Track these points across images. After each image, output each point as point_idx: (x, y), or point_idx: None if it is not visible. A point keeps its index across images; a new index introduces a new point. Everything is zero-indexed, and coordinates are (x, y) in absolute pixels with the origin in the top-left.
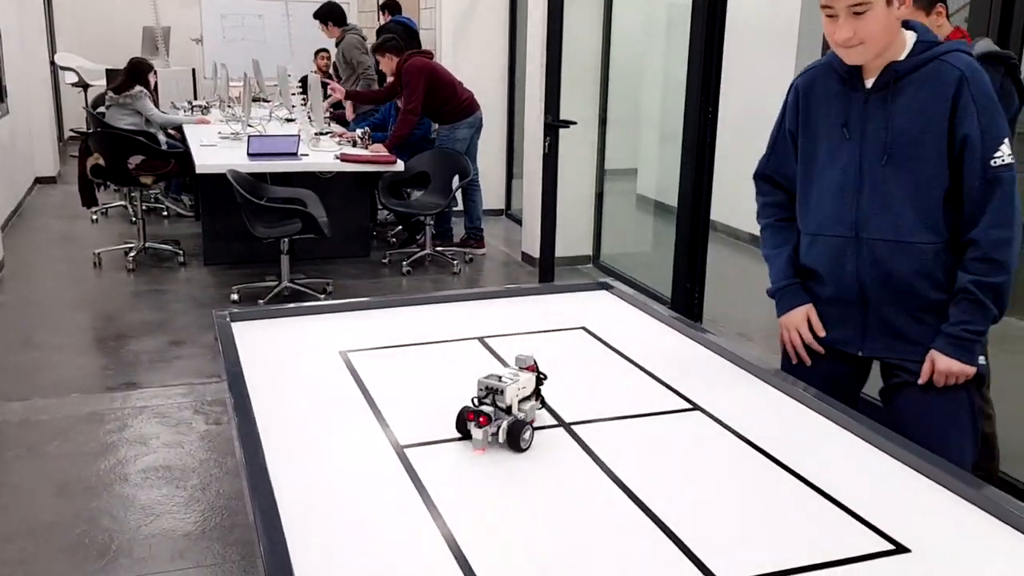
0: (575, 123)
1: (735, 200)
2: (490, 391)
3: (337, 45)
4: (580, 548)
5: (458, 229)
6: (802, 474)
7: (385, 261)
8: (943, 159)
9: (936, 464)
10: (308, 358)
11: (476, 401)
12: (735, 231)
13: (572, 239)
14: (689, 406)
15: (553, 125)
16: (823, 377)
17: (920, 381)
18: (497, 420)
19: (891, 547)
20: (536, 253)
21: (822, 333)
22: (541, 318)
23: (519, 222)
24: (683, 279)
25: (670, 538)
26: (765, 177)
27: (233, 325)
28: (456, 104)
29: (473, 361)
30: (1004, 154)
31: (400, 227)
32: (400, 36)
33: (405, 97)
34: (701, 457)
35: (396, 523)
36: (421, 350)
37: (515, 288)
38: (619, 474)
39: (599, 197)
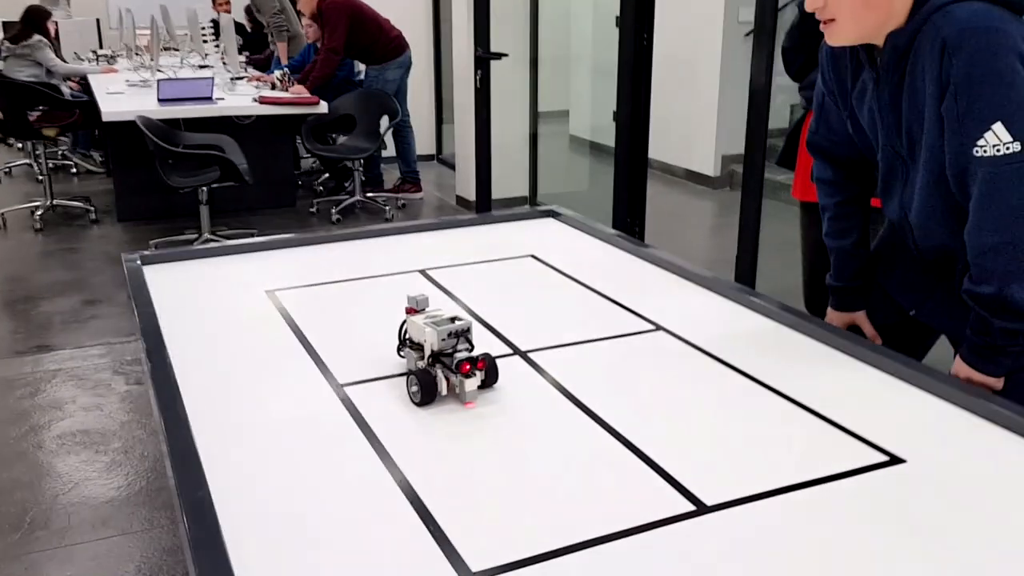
0: (506, 55)
1: (669, 137)
2: (459, 335)
3: None
4: (551, 483)
5: (389, 176)
6: (781, 390)
7: (313, 210)
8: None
9: (922, 371)
10: (231, 300)
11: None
12: (670, 167)
13: (508, 181)
14: (651, 326)
15: (484, 57)
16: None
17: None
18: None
19: (885, 458)
20: (471, 196)
21: (877, 342)
22: (486, 248)
23: (452, 167)
24: (623, 215)
25: (649, 465)
26: (816, 147)
27: (145, 269)
28: (385, 43)
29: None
30: (991, 142)
31: (327, 175)
32: None
33: (326, 35)
34: (671, 378)
35: (342, 471)
36: (357, 285)
37: (457, 219)
38: (585, 401)
39: (533, 139)
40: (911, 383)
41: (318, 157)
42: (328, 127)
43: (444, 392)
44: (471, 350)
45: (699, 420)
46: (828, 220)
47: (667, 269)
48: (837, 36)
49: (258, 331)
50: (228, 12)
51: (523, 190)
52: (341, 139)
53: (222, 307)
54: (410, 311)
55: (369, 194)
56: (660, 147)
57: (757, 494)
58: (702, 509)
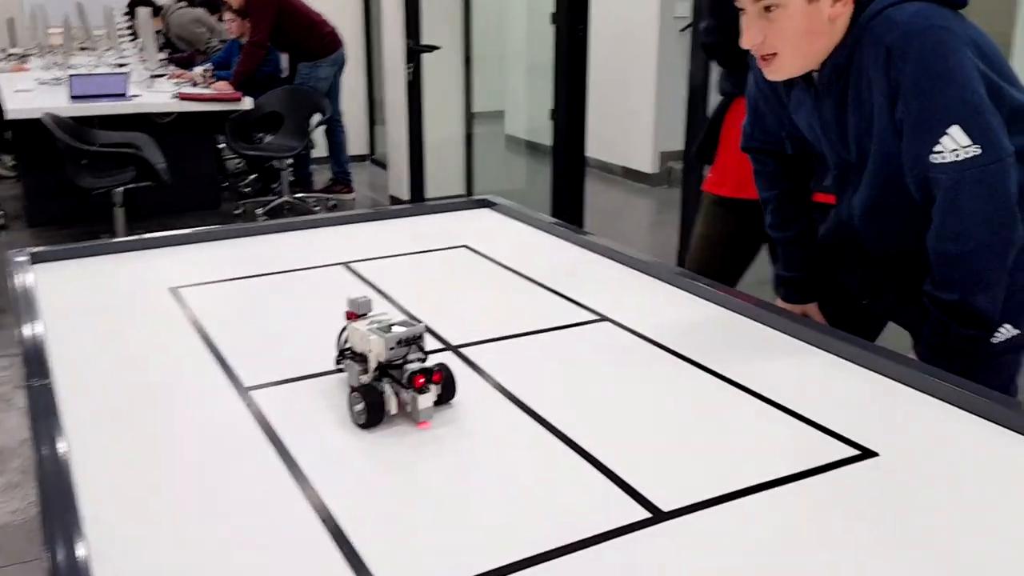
0: (438, 48)
1: (607, 134)
2: (410, 343)
3: (166, 34)
4: (493, 492)
5: (321, 176)
6: (738, 381)
7: (238, 212)
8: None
9: (882, 355)
10: (131, 299)
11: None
12: (608, 165)
13: (443, 180)
14: (596, 317)
15: (415, 50)
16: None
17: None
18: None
19: (856, 452)
20: (405, 195)
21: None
22: (416, 239)
23: (384, 167)
24: (561, 214)
25: (599, 469)
26: (753, 149)
27: (36, 268)
28: (317, 39)
29: (338, 288)
30: (949, 147)
31: (253, 175)
32: None
33: (251, 28)
34: (620, 372)
35: (248, 488)
36: (272, 281)
37: (385, 210)
38: (527, 400)
39: (468, 139)
40: (871, 368)
41: (242, 156)
42: (254, 125)
43: (394, 411)
44: (424, 360)
45: (652, 418)
46: (771, 212)
47: (609, 257)
48: (780, 71)
49: (159, 333)
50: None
51: (459, 189)
52: (268, 138)
53: (119, 307)
54: (351, 316)
55: (298, 195)
56: (597, 145)
57: (717, 497)
58: (658, 516)
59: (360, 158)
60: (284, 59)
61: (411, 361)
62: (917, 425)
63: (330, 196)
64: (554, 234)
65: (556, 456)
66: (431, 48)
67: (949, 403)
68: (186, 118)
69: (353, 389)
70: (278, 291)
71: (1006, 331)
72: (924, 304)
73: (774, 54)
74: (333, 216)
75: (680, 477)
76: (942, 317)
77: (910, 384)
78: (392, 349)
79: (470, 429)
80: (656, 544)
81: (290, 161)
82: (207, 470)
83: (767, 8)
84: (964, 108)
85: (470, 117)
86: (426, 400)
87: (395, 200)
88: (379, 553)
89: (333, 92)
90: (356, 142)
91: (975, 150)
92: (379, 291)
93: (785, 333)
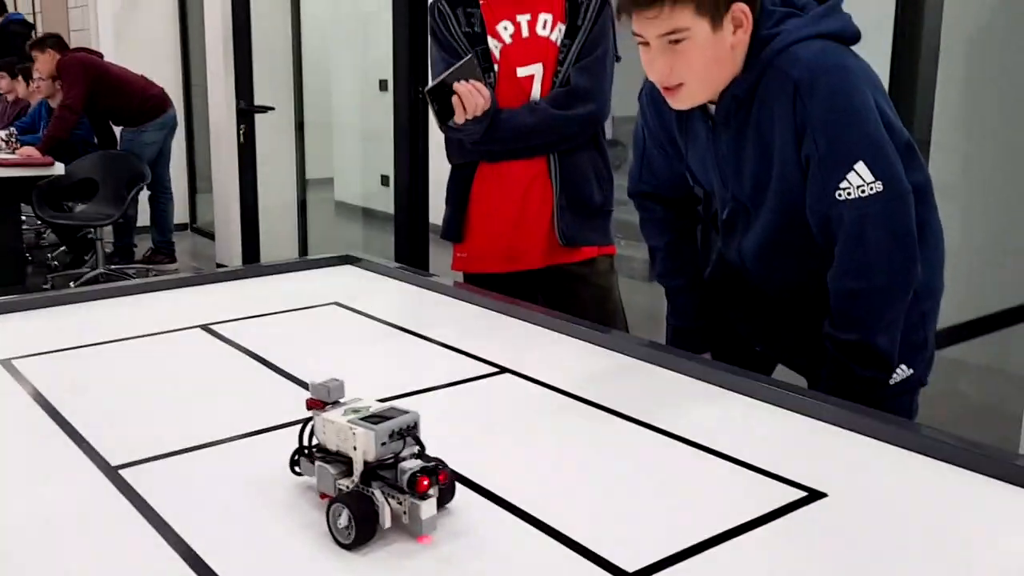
0: (272, 108)
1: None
2: (404, 434)
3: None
4: (401, 560)
5: (142, 246)
6: (667, 429)
7: (47, 287)
8: (800, 188)
9: (804, 395)
10: None
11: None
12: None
13: (276, 248)
14: (495, 369)
15: (248, 111)
16: None
17: None
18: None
19: (805, 494)
20: (235, 263)
21: None
22: (280, 298)
23: (209, 236)
24: None
25: (548, 533)
26: (641, 194)
27: None
28: (140, 103)
29: (195, 353)
30: (855, 183)
31: (63, 247)
32: (23, 35)
33: (64, 92)
34: (542, 427)
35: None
36: (120, 348)
37: (244, 269)
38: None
39: (301, 205)
40: (790, 408)
41: (51, 225)
42: (65, 193)
43: (388, 524)
44: (420, 453)
45: (589, 473)
46: (661, 261)
47: (489, 308)
48: (686, 100)
49: None
50: None
51: (293, 254)
52: (80, 207)
53: None
54: (314, 404)
55: (115, 266)
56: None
57: (681, 552)
58: None
59: (181, 227)
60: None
61: (405, 458)
62: (855, 463)
63: (151, 267)
64: (429, 288)
65: (499, 524)
66: (265, 109)
67: (879, 440)
68: None
69: (333, 500)
70: (128, 358)
71: (902, 372)
72: (819, 348)
73: (680, 85)
74: (180, 278)
75: (635, 533)
76: (843, 359)
77: (836, 423)
78: (384, 445)
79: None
80: None
81: (108, 230)
82: (71, 545)
83: (674, 41)
84: (869, 145)
85: (303, 183)
86: (429, 508)
87: (221, 267)
88: None
89: (163, 158)
90: (175, 210)
91: (878, 186)
92: (248, 352)
93: (695, 377)
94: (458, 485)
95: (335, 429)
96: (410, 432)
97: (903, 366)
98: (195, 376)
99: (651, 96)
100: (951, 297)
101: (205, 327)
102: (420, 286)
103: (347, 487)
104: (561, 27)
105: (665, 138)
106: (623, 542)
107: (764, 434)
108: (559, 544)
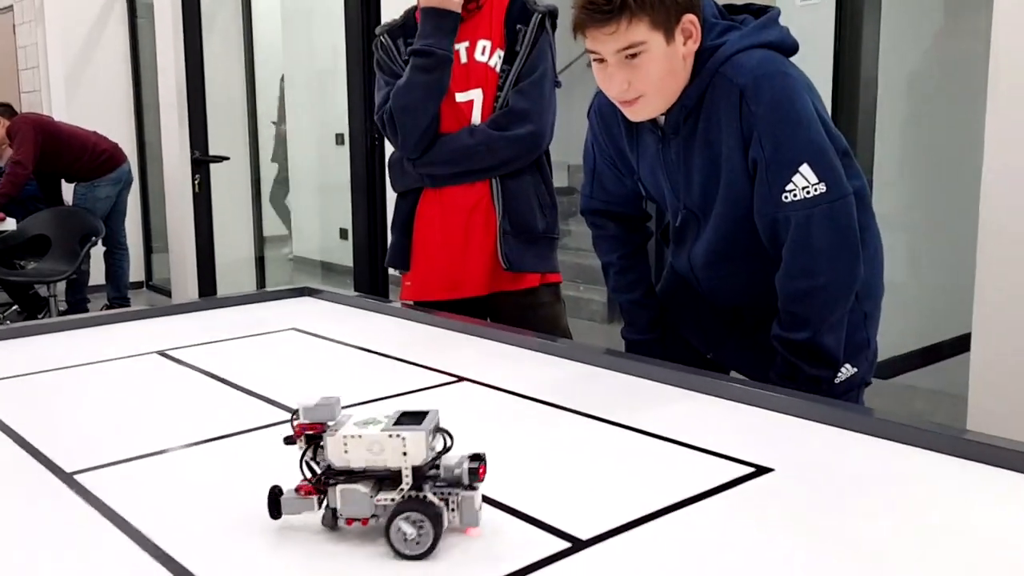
0: (227, 158)
1: None
2: (437, 431)
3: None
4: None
5: (96, 304)
6: (621, 421)
7: None
8: (748, 195)
9: (766, 389)
10: None
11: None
12: None
13: None
14: (452, 378)
15: (203, 160)
16: None
17: None
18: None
19: (752, 469)
20: None
21: None
22: (239, 326)
23: (166, 293)
24: None
25: (511, 513)
26: (593, 211)
27: None
28: (92, 159)
29: (152, 375)
30: (800, 184)
31: (15, 305)
32: None
33: (14, 150)
34: (499, 424)
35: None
36: (74, 372)
37: (202, 301)
38: None
39: (260, 260)
40: (747, 403)
41: (2, 283)
42: (17, 251)
43: (447, 523)
44: (451, 446)
45: (545, 460)
46: (614, 275)
47: (445, 328)
48: (644, 111)
49: None
50: None
51: None
52: (32, 264)
53: None
54: (311, 428)
55: None
56: None
57: (633, 521)
58: (579, 545)
59: (136, 284)
60: None
61: (440, 453)
62: (801, 443)
63: None
64: (389, 314)
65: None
66: (219, 159)
67: (825, 423)
68: None
69: (393, 514)
70: (85, 381)
71: (846, 371)
72: (767, 353)
73: (638, 98)
74: (135, 311)
75: (590, 508)
76: (791, 359)
77: (783, 411)
78: (431, 447)
79: None
80: (582, 572)
81: (61, 287)
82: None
83: (631, 55)
84: (812, 148)
85: (261, 239)
86: (478, 498)
87: None
88: None
89: (118, 213)
90: (131, 268)
91: (822, 187)
92: (206, 373)
93: (650, 379)
94: None
95: (365, 444)
96: (440, 430)
97: (847, 365)
98: (151, 394)
99: (600, 113)
100: (902, 327)
101: (163, 353)
102: (378, 311)
103: (391, 499)
104: (500, 53)
105: (615, 153)
106: (579, 515)
107: (715, 423)
108: (521, 521)
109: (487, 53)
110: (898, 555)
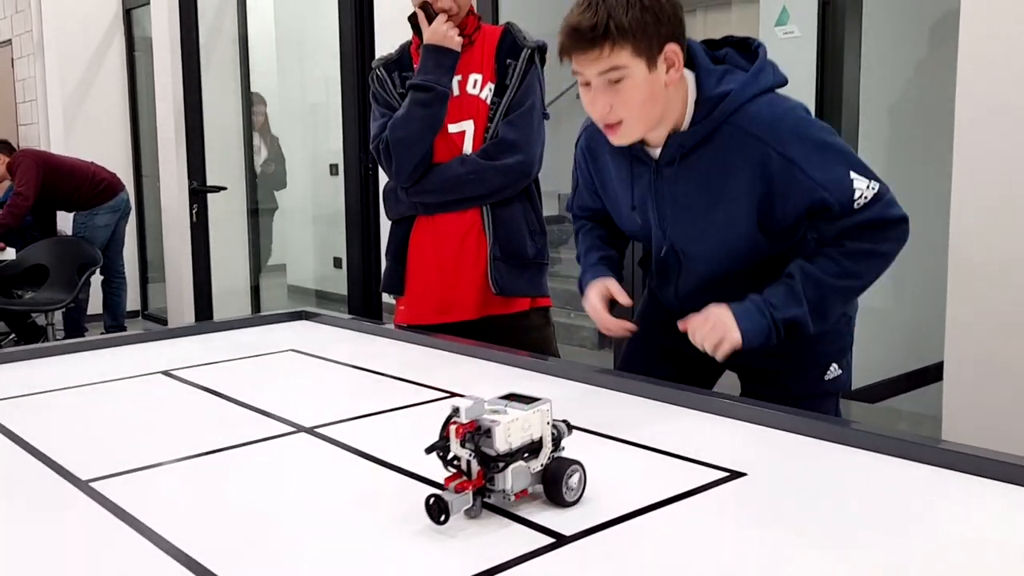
0: (224, 188)
1: None
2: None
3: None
4: (400, 538)
5: (94, 333)
6: (600, 431)
7: None
8: (744, 235)
9: (746, 403)
10: None
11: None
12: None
13: None
14: (444, 394)
15: (200, 191)
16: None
17: (680, 325)
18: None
19: (725, 474)
20: None
21: (627, 301)
22: (238, 348)
23: (162, 322)
24: None
25: (494, 511)
26: (578, 216)
27: None
28: (91, 188)
29: (158, 392)
30: (862, 187)
31: (12, 335)
32: None
33: (16, 182)
34: None
35: None
36: (81, 392)
37: (201, 324)
38: (404, 464)
39: (255, 290)
40: (727, 415)
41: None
42: (14, 280)
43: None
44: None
45: None
46: (582, 236)
47: (438, 348)
48: (625, 136)
49: None
50: None
51: None
52: (29, 294)
53: None
54: (470, 427)
55: None
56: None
57: (614, 519)
58: (562, 541)
59: (133, 314)
60: None
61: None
62: (774, 450)
63: None
64: (385, 335)
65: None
66: (217, 188)
67: (799, 433)
68: None
69: (560, 471)
70: (93, 399)
71: (834, 370)
72: (756, 356)
73: (619, 122)
74: (143, 333)
75: (574, 508)
76: (800, 291)
77: (759, 422)
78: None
79: (347, 498)
80: (565, 567)
81: (59, 316)
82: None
83: (615, 81)
84: (847, 157)
85: (257, 269)
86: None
87: None
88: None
89: (115, 241)
90: (128, 297)
91: (876, 185)
92: (209, 391)
93: (635, 395)
94: (422, 485)
95: (521, 425)
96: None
97: (834, 365)
98: (158, 409)
99: (587, 148)
100: (886, 352)
101: (166, 372)
102: (374, 334)
103: (541, 464)
104: (491, 86)
105: (599, 185)
106: (562, 514)
107: (694, 434)
108: (507, 519)
109: (478, 86)
110: (865, 552)
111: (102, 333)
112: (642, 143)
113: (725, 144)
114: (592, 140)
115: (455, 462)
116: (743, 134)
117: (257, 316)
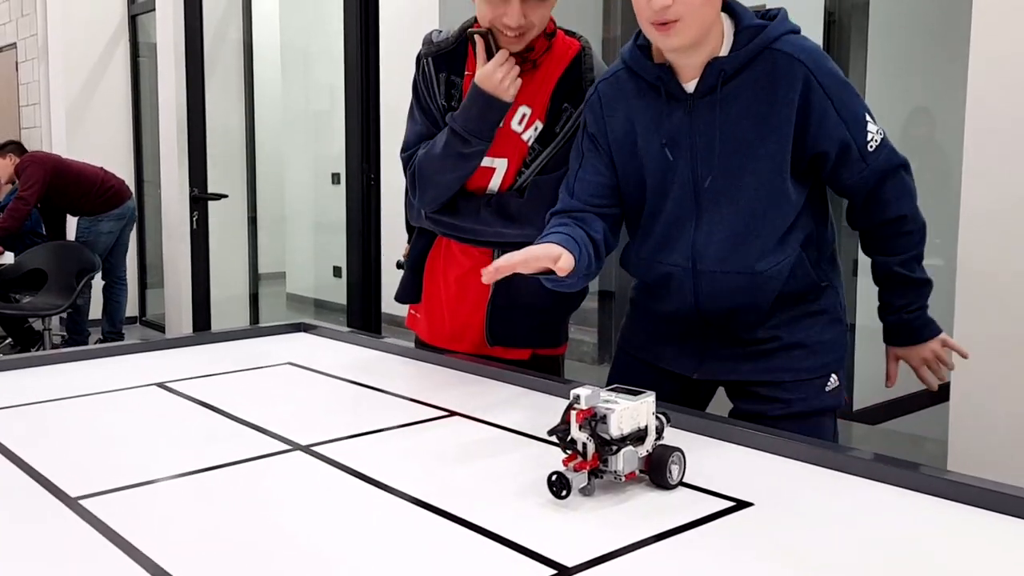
0: (226, 196)
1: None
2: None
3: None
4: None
5: (93, 338)
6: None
7: None
8: (784, 171)
9: (746, 428)
10: None
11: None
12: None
13: None
14: (444, 413)
15: (201, 198)
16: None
17: (888, 385)
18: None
19: (732, 504)
20: None
21: (568, 264)
22: (234, 360)
23: (160, 328)
24: None
25: (497, 541)
26: (565, 212)
27: None
28: (97, 194)
29: (152, 405)
30: (873, 131)
31: (9, 340)
32: None
33: (21, 186)
34: (481, 455)
35: None
36: (74, 403)
37: (197, 335)
38: (400, 487)
39: (253, 298)
40: (729, 440)
41: None
42: (12, 285)
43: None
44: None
45: (536, 491)
46: (550, 226)
47: (437, 364)
48: (679, 35)
49: None
50: None
51: None
52: (27, 298)
53: None
54: (589, 412)
55: None
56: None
57: (619, 549)
58: (564, 572)
59: (131, 319)
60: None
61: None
62: (782, 480)
63: None
64: (383, 349)
65: (454, 537)
66: (218, 196)
67: (804, 461)
68: None
69: (662, 458)
70: (86, 411)
71: (833, 381)
72: (758, 359)
73: (676, 20)
74: (138, 343)
75: (576, 538)
76: (916, 276)
77: (765, 449)
78: None
79: (336, 517)
80: None
81: (57, 320)
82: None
83: None
84: (862, 102)
85: (256, 277)
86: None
87: None
88: None
89: (120, 248)
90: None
91: (880, 128)
92: (204, 404)
93: None
94: (415, 507)
95: (632, 413)
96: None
97: (834, 375)
98: (152, 424)
99: (603, 98)
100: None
101: (161, 384)
102: (372, 347)
103: (647, 450)
104: (538, 125)
105: (612, 144)
106: (565, 544)
107: (698, 459)
108: (508, 548)
109: (525, 123)
110: None
111: (99, 339)
112: (675, 76)
113: (771, 70)
114: (612, 88)
115: (572, 444)
116: (789, 59)
117: (255, 328)
